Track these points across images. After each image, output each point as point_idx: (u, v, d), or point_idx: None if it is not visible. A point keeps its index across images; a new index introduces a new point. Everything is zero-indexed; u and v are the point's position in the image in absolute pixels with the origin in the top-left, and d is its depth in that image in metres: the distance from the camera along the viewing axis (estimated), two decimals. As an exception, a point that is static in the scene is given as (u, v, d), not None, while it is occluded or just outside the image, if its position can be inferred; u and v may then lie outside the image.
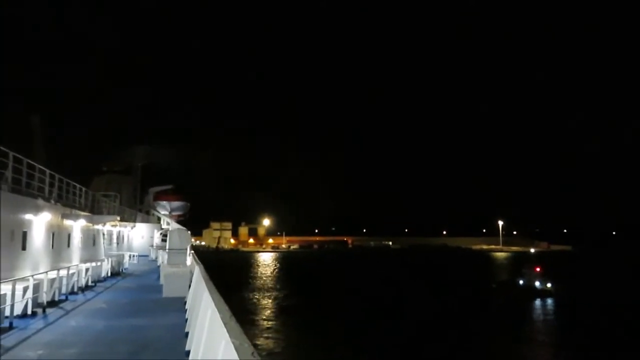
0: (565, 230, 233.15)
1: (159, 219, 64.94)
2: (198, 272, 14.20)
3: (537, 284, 54.60)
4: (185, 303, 15.71)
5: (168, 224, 59.68)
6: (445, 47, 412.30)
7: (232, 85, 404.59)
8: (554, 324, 40.50)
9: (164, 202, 71.11)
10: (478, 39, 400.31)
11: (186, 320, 12.74)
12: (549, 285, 54.39)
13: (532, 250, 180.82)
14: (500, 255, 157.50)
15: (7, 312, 12.80)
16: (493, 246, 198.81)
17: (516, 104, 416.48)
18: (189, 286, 17.09)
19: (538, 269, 57.40)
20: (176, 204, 73.09)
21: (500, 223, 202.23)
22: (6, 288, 12.94)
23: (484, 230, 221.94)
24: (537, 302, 49.90)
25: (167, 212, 69.51)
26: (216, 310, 5.96)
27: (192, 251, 26.97)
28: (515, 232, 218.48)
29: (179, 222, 61.88)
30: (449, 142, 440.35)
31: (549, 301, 50.53)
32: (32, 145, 46.26)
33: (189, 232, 30.15)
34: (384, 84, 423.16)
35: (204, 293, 8.61)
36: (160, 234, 48.71)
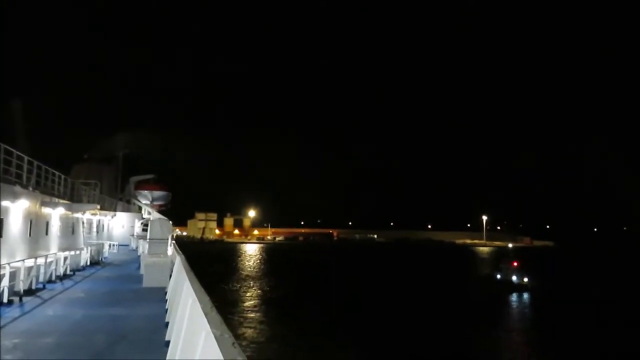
0: (547, 227, 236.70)
1: (140, 208, 64.30)
2: (179, 262, 14.08)
3: (514, 278, 55.33)
4: (165, 293, 15.58)
5: (149, 213, 59.18)
6: (427, 45, 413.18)
7: (218, 76, 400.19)
8: (527, 317, 41.21)
9: (146, 191, 70.40)
10: (462, 35, 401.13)
11: (166, 310, 12.64)
12: (525, 279, 55.15)
13: (510, 245, 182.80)
14: (484, 250, 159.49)
15: (-18, 301, 12.57)
16: (477, 241, 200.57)
17: (502, 99, 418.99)
18: (170, 276, 16.95)
19: (515, 264, 58.26)
20: (158, 193, 72.42)
21: (484, 218, 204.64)
22: (-19, 276, 12.70)
23: (469, 225, 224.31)
24: (514, 296, 50.65)
25: (148, 202, 68.87)
26: (197, 300, 5.89)
27: (174, 241, 26.74)
28: (499, 228, 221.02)
29: (160, 212, 61.40)
30: (435, 136, 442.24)
31: (525, 295, 51.32)
32: (14, 131, 45.38)
33: (171, 222, 29.90)
34: (373, 76, 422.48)
35: (185, 283, 8.53)
36: (142, 223, 48.28)
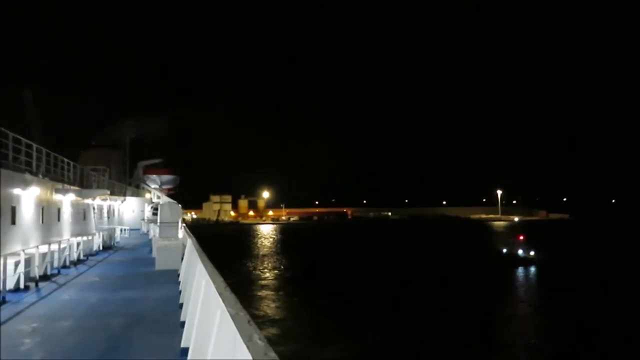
0: (564, 199, 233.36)
1: (149, 192, 64.75)
2: (191, 245, 14.21)
3: (520, 252, 55.31)
4: (178, 275, 15.77)
5: (158, 197, 59.64)
6: (447, 19, 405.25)
7: (227, 57, 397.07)
8: (528, 291, 40.87)
9: (154, 175, 70.88)
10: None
11: (180, 292, 12.80)
12: (532, 253, 55.02)
13: (516, 218, 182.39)
14: (499, 224, 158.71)
15: (0, 287, 12.78)
16: (492, 215, 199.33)
17: (516, 69, 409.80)
18: (182, 259, 17.14)
19: (521, 238, 58.16)
20: (166, 177, 72.89)
21: (499, 192, 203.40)
22: (-3, 263, 12.90)
23: (484, 200, 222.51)
24: (519, 270, 50.63)
25: (157, 186, 69.35)
26: (210, 281, 5.96)
27: (184, 224, 26.96)
28: (514, 202, 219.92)
29: (169, 195, 61.88)
30: (449, 111, 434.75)
31: (532, 269, 51.27)
32: (28, 121, 45.83)
33: (180, 205, 30.11)
34: (384, 53, 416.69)
35: (198, 264, 8.62)
36: (151, 207, 48.68)
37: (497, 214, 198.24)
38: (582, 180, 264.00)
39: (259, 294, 38.34)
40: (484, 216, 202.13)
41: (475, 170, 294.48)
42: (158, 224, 25.00)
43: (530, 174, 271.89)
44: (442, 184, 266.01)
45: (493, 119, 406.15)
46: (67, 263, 19.83)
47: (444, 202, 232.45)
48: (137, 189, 62.11)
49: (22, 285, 14.18)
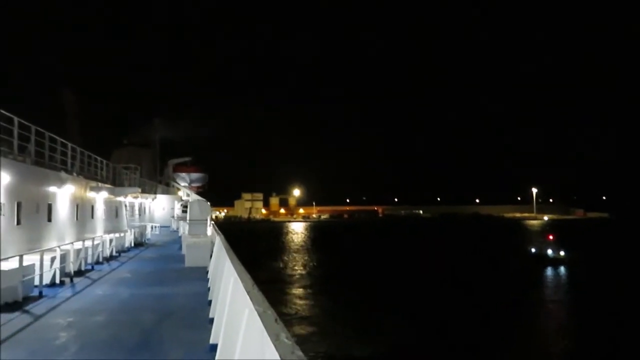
0: (604, 197, 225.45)
1: (178, 190, 65.80)
2: (219, 242, 14.40)
3: (549, 252, 54.00)
4: (207, 272, 16.00)
5: (188, 195, 60.52)
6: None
7: (260, 55, 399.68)
8: (556, 293, 39.75)
9: (183, 173, 71.90)
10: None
11: (209, 289, 12.99)
12: (562, 253, 53.60)
13: (546, 217, 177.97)
14: (534, 223, 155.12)
15: (37, 282, 13.22)
16: (526, 214, 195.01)
17: (550, 65, 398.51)
18: (210, 256, 17.38)
19: (551, 237, 56.83)
20: (195, 175, 73.86)
21: (534, 190, 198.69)
22: (34, 258, 13.34)
23: (519, 198, 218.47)
24: (548, 270, 49.36)
25: (186, 184, 70.32)
26: (238, 279, 6.04)
27: (213, 222, 27.32)
28: (551, 200, 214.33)
29: (198, 193, 62.65)
30: (483, 107, 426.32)
31: (561, 270, 49.91)
32: (65, 119, 47.39)
33: (209, 203, 30.50)
34: (418, 51, 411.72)
35: (226, 262, 8.74)
36: (181, 205, 49.43)
37: (532, 212, 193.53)
38: (622, 178, 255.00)
39: (288, 291, 38.62)
40: (518, 215, 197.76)
41: (510, 168, 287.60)
42: (187, 221, 25.41)
43: (567, 171, 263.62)
44: (476, 181, 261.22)
45: (529, 114, 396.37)
46: (101, 259, 20.34)
47: (477, 200, 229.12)
48: (167, 186, 63.22)
49: (57, 281, 14.62)
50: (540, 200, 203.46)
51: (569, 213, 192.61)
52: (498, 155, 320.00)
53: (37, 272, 13.22)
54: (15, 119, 15.26)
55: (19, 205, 14.80)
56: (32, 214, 15.99)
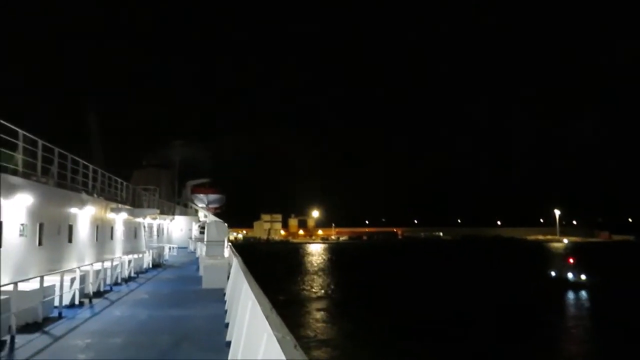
0: (630, 220, 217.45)
1: (196, 211, 66.27)
2: (236, 264, 14.41)
3: (569, 275, 52.71)
4: (224, 294, 15.98)
5: (205, 216, 60.89)
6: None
7: (274, 78, 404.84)
8: (574, 319, 38.40)
9: (201, 195, 72.50)
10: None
11: (226, 311, 12.96)
12: (583, 277, 52.23)
13: (565, 240, 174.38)
14: (558, 245, 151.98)
15: (57, 302, 13.34)
16: (549, 237, 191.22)
17: (569, 83, 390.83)
18: (227, 277, 17.38)
19: (571, 260, 55.58)
20: (213, 196, 74.44)
21: (557, 212, 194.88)
22: (55, 279, 13.49)
23: (541, 220, 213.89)
24: (569, 295, 48.06)
25: (204, 205, 70.81)
26: (257, 302, 6.01)
27: (229, 243, 27.39)
28: (575, 222, 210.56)
29: (215, 214, 63.02)
30: (504, 127, 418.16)
31: (582, 294, 48.57)
32: (88, 140, 48.67)
33: (226, 224, 30.64)
34: (433, 73, 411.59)
35: (244, 285, 8.72)
36: (199, 226, 49.67)
37: (556, 235, 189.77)
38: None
39: (307, 313, 38.31)
40: (541, 237, 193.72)
41: (532, 189, 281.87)
42: (205, 242, 25.52)
43: (592, 192, 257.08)
44: (497, 203, 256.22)
45: (552, 134, 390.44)
46: (119, 280, 20.48)
47: (499, 222, 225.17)
48: (185, 207, 63.74)
49: (77, 301, 14.74)
50: (564, 222, 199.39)
51: (594, 235, 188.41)
52: (521, 176, 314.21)
53: (57, 293, 13.35)
54: (40, 142, 15.61)
55: (41, 226, 15.04)
56: (54, 235, 16.23)
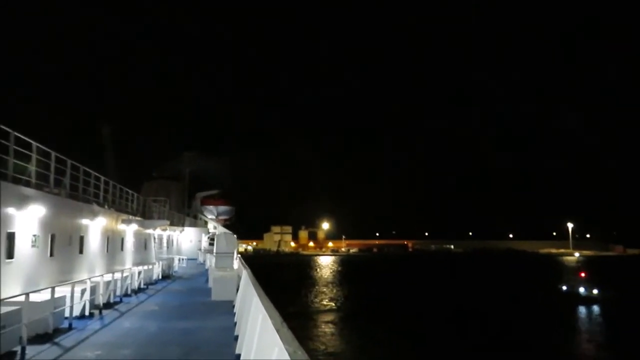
0: None
1: (206, 223, 66.48)
2: (246, 276, 14.39)
3: (581, 290, 51.96)
4: (233, 306, 15.94)
5: (215, 227, 61.06)
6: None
7: (287, 89, 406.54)
8: (590, 333, 37.56)
9: (211, 206, 72.75)
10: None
11: (235, 323, 12.91)
12: (595, 291, 51.45)
13: (577, 254, 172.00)
14: (571, 259, 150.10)
15: (67, 313, 13.38)
16: (562, 250, 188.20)
17: (591, 95, 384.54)
18: (237, 289, 17.35)
19: (583, 274, 54.85)
20: (222, 208, 74.63)
21: (570, 226, 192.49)
22: (65, 290, 13.54)
23: (554, 234, 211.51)
24: (581, 310, 47.28)
25: (213, 217, 71.07)
26: (267, 316, 5.99)
27: (239, 255, 27.37)
28: (588, 235, 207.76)
29: (225, 225, 63.21)
30: (516, 139, 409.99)
31: (594, 309, 47.77)
32: (105, 154, 49.40)
33: (235, 236, 30.69)
34: (443, 86, 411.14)
35: (254, 298, 8.70)
36: (208, 237, 49.78)
37: (569, 248, 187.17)
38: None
39: (317, 326, 38.06)
40: (554, 251, 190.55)
41: (545, 202, 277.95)
42: (214, 254, 25.54)
43: (607, 206, 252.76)
44: (509, 216, 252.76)
45: (566, 147, 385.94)
46: (129, 291, 20.51)
47: (511, 235, 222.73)
48: (195, 219, 63.97)
49: (87, 313, 14.77)
50: (577, 235, 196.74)
51: (608, 249, 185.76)
52: (533, 189, 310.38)
53: (68, 304, 13.39)
54: (53, 153, 15.79)
55: (52, 237, 15.15)
56: (65, 246, 16.33)
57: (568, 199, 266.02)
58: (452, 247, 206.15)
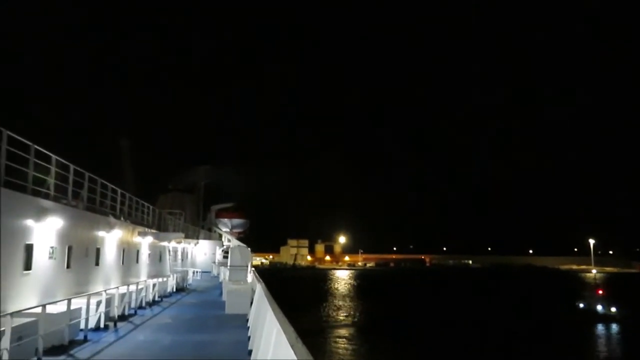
0: None
1: (220, 236, 66.58)
2: (260, 290, 14.35)
3: (599, 308, 50.83)
4: (247, 320, 15.88)
5: (229, 240, 61.15)
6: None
7: (305, 105, 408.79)
8: (611, 352, 36.89)
9: (225, 219, 72.80)
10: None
11: (249, 337, 12.85)
12: (613, 309, 50.30)
13: (594, 270, 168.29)
14: (592, 276, 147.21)
15: (82, 325, 13.44)
16: (584, 266, 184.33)
17: (617, 106, 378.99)
18: (251, 303, 17.30)
19: (600, 292, 53.74)
20: (237, 221, 74.64)
21: (592, 242, 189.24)
22: (81, 302, 13.62)
23: (575, 250, 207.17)
24: (599, 328, 46.14)
25: (228, 229, 71.09)
26: (282, 330, 5.94)
27: (253, 268, 27.34)
28: (611, 252, 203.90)
29: (239, 238, 63.24)
30: (537, 152, 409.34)
31: (613, 327, 46.55)
32: (123, 167, 50.00)
33: (249, 249, 30.69)
34: (461, 98, 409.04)
35: (268, 312, 8.65)
36: (222, 250, 49.82)
37: (590, 264, 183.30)
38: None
39: (332, 340, 37.77)
40: (575, 267, 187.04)
41: (566, 217, 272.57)
42: (228, 267, 25.54)
43: (631, 222, 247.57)
44: (529, 231, 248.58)
45: (588, 162, 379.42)
46: (143, 304, 20.57)
47: (530, 251, 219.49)
48: (209, 232, 64.11)
49: (102, 325, 14.82)
50: (600, 252, 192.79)
51: (631, 266, 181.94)
52: (554, 203, 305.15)
53: (83, 316, 13.46)
54: (71, 166, 16.00)
55: (69, 249, 15.28)
56: (82, 257, 16.46)
57: (591, 214, 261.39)
58: (471, 262, 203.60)
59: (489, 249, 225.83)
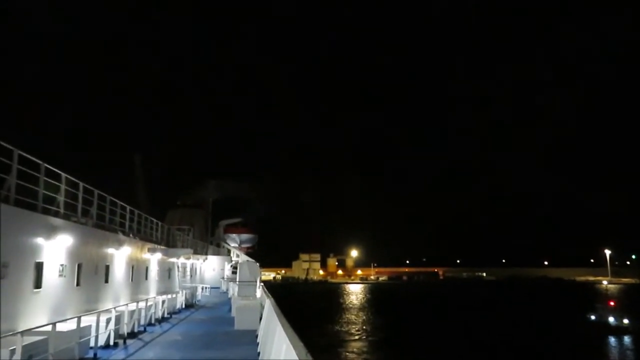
0: None
1: (229, 251, 66.52)
2: (269, 306, 14.29)
3: (610, 319, 49.95)
4: (256, 336, 15.80)
5: (238, 256, 61.08)
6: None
7: (312, 120, 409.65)
8: None
9: (234, 234, 72.83)
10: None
11: (258, 353, 12.77)
12: (625, 321, 49.37)
13: (605, 281, 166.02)
14: (610, 287, 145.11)
15: (92, 343, 13.43)
16: (600, 278, 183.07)
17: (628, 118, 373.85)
18: (260, 318, 17.22)
19: (612, 303, 52.83)
20: (245, 236, 74.67)
21: (608, 252, 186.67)
22: (91, 319, 13.62)
23: (592, 261, 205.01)
24: (611, 340, 45.26)
25: (236, 245, 71.09)
26: (291, 346, 5.90)
27: (262, 283, 27.25)
28: (628, 263, 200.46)
29: (247, 254, 63.18)
30: (553, 162, 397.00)
31: (626, 339, 45.69)
32: (136, 182, 50.41)
33: (258, 264, 30.61)
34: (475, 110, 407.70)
35: (277, 327, 8.60)
36: (231, 266, 49.74)
37: (607, 275, 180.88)
38: None
39: (344, 356, 37.40)
40: (591, 278, 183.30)
41: (581, 227, 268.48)
42: (237, 282, 25.46)
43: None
44: (544, 242, 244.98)
45: (604, 171, 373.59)
46: (153, 320, 20.54)
47: (546, 263, 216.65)
48: (218, 247, 64.10)
49: (112, 342, 14.79)
50: (617, 262, 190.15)
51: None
52: (568, 213, 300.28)
53: (93, 333, 13.45)
54: (81, 184, 16.12)
55: (79, 266, 15.34)
56: (91, 275, 16.50)
57: (607, 225, 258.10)
58: (484, 274, 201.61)
59: (503, 260, 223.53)
